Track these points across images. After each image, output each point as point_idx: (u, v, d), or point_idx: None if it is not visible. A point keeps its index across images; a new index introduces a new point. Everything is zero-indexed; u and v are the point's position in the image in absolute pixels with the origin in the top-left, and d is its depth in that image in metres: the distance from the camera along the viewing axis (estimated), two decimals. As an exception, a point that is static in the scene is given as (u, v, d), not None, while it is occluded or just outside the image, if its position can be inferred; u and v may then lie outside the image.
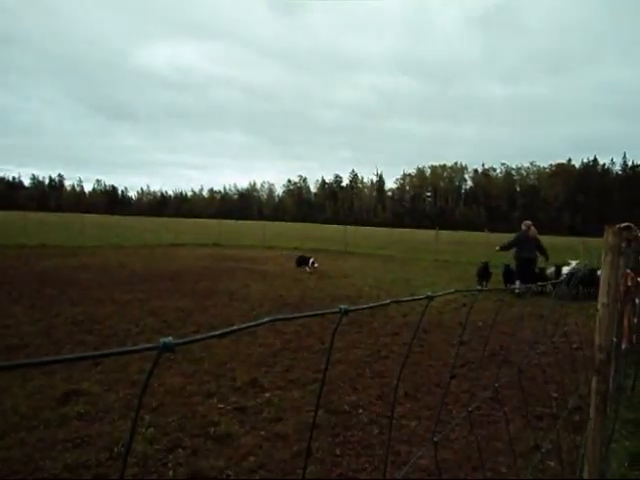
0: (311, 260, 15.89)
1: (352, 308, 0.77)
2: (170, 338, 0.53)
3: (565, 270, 11.96)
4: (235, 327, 0.61)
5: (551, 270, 12.72)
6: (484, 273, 12.98)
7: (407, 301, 1.08)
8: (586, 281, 11.07)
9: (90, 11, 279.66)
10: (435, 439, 1.22)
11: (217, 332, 0.60)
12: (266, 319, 0.69)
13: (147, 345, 0.53)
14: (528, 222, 12.88)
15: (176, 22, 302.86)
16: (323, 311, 0.81)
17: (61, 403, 4.36)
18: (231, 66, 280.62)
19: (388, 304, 0.96)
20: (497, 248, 13.06)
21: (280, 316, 0.74)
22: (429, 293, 1.00)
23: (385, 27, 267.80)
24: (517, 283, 12.25)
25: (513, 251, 12.89)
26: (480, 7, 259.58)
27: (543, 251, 12.61)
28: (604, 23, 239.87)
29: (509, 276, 12.90)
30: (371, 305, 0.89)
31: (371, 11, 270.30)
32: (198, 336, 0.58)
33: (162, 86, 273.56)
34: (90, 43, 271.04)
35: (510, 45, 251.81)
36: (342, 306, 0.75)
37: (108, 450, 3.55)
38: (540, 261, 12.97)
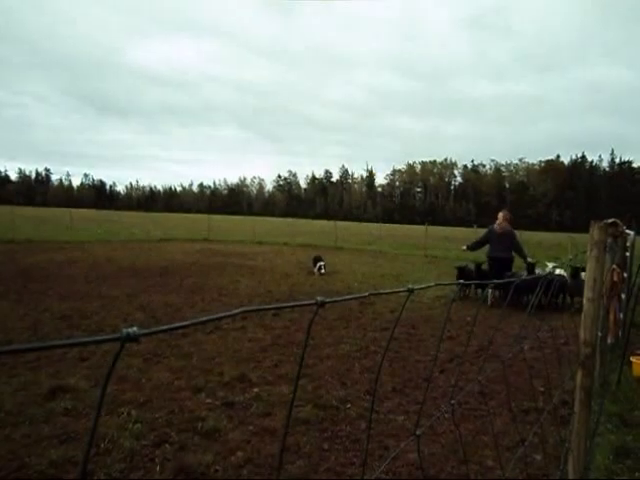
0: (318, 264, 14.12)
1: (328, 300, 0.77)
2: (135, 328, 0.52)
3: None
4: (204, 318, 0.60)
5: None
6: (464, 278, 10.76)
7: (387, 293, 1.08)
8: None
9: (83, 8, 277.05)
10: (418, 432, 1.22)
11: (184, 323, 0.59)
12: (238, 310, 0.68)
13: (110, 335, 0.52)
14: (502, 214, 10.42)
15: (170, 20, 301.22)
16: (299, 303, 0.80)
17: (47, 399, 4.32)
18: (224, 64, 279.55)
19: (367, 296, 0.96)
20: (464, 247, 10.84)
21: (254, 307, 0.73)
22: (410, 286, 1.00)
23: (377, 27, 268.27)
24: (489, 292, 10.24)
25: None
26: (469, 9, 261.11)
27: (519, 249, 10.13)
28: (589, 25, 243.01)
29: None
30: (348, 297, 0.88)
31: (363, 11, 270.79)
32: (163, 327, 0.57)
33: (154, 82, 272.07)
34: (82, 40, 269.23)
35: (498, 45, 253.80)
36: (318, 298, 0.75)
37: (95, 446, 3.53)
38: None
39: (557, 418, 4.03)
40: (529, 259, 10.03)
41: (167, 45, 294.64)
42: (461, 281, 1.68)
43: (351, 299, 0.90)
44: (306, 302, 0.75)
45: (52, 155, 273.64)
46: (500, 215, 10.31)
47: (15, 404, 4.16)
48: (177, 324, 0.59)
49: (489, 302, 10.06)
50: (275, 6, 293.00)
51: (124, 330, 0.52)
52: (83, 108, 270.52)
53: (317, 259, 14.42)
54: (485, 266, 10.58)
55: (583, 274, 9.51)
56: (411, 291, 1.00)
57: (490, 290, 10.05)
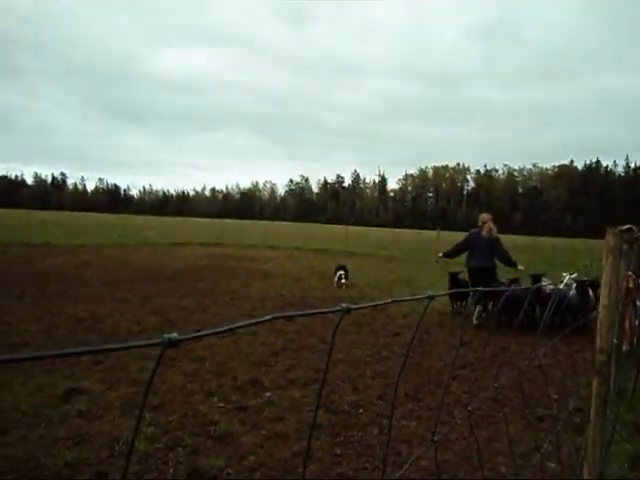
0: (338, 273, 12.67)
1: (354, 307, 0.78)
2: (175, 334, 0.53)
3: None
4: (239, 323, 0.61)
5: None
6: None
7: (408, 300, 1.09)
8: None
9: (104, 17, 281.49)
10: (435, 439, 1.23)
11: (221, 328, 0.60)
12: (269, 316, 0.69)
13: (151, 341, 0.53)
14: (484, 216, 8.99)
15: (186, 29, 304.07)
16: (325, 309, 0.82)
17: (62, 401, 4.37)
18: (239, 71, 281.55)
19: (389, 303, 0.96)
20: (439, 255, 9.65)
21: (284, 313, 0.75)
22: (430, 293, 1.00)
23: (389, 35, 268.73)
24: (476, 309, 8.60)
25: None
26: (480, 18, 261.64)
27: (504, 257, 8.69)
28: (599, 33, 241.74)
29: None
30: (372, 304, 0.89)
31: (375, 20, 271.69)
32: (202, 332, 0.59)
33: (171, 89, 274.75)
34: (103, 48, 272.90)
35: (509, 53, 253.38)
36: (344, 304, 0.76)
37: (109, 448, 3.56)
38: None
39: (572, 426, 3.99)
40: (520, 267, 8.87)
41: (184, 53, 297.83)
42: (478, 288, 1.67)
43: (375, 305, 0.91)
44: (333, 309, 0.77)
45: (69, 160, 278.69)
46: (485, 217, 8.95)
47: (31, 405, 4.22)
48: (215, 330, 0.61)
49: (474, 321, 8.51)
50: (288, 15, 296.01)
51: (165, 336, 0.53)
52: (101, 114, 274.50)
53: (338, 268, 12.92)
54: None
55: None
56: (432, 298, 1.01)
57: (478, 307, 8.57)
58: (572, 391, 4.65)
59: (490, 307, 9.12)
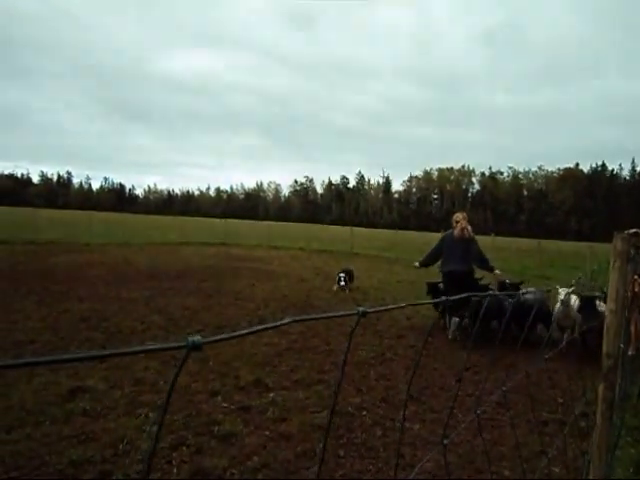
0: (338, 276, 12.29)
1: (370, 310, 0.78)
2: (198, 337, 0.53)
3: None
4: (260, 326, 0.62)
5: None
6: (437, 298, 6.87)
7: (424, 304, 1.09)
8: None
9: (112, 18, 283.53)
10: (445, 442, 1.22)
11: (244, 331, 0.60)
12: (288, 319, 0.69)
13: (175, 344, 0.53)
14: (458, 215, 8.14)
15: (194, 31, 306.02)
16: (342, 313, 0.82)
17: (67, 399, 4.38)
18: (245, 72, 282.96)
19: (404, 307, 0.97)
20: (415, 264, 8.73)
21: (302, 317, 0.75)
22: (444, 297, 1.00)
23: (393, 38, 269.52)
24: (452, 320, 7.67)
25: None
26: (484, 21, 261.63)
27: (479, 260, 7.95)
28: (603, 38, 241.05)
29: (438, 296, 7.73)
30: (389, 307, 0.89)
31: (379, 23, 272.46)
32: (225, 335, 0.59)
33: (177, 90, 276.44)
34: (110, 49, 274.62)
35: (514, 56, 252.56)
36: (360, 308, 0.76)
37: (113, 447, 3.57)
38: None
39: (577, 430, 3.97)
40: (496, 271, 8.16)
41: (190, 54, 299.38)
42: (494, 291, 1.66)
43: (391, 309, 0.91)
44: (349, 312, 0.77)
45: (75, 159, 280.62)
46: (459, 215, 8.11)
47: (36, 404, 4.23)
48: (237, 332, 0.61)
49: (450, 334, 7.66)
50: (294, 17, 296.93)
51: (189, 338, 0.54)
52: (108, 114, 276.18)
53: (342, 273, 12.42)
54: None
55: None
56: (447, 302, 1.01)
57: (454, 319, 7.67)
58: (577, 395, 4.64)
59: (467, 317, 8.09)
